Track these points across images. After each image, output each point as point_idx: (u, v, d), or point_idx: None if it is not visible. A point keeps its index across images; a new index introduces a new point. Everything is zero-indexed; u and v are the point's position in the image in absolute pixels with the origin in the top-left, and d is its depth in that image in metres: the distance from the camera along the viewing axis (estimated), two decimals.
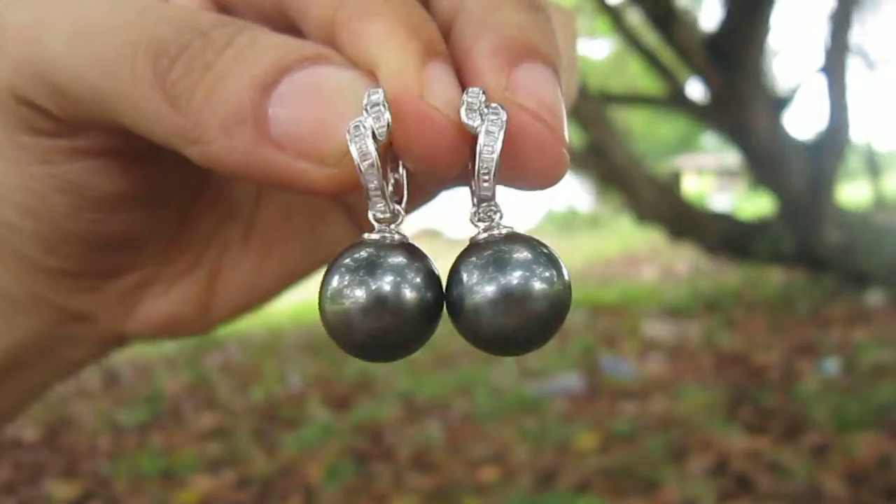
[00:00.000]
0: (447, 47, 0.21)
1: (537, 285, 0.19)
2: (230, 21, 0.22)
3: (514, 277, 0.19)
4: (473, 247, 0.20)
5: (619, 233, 9.50)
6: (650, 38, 4.24)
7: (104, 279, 0.30)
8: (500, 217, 0.21)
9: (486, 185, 0.20)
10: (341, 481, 2.17)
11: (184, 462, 2.44)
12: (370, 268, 0.19)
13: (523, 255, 0.19)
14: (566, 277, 0.20)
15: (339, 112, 0.20)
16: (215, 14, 0.22)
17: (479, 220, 0.21)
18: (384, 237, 0.20)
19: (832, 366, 2.75)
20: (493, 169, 0.20)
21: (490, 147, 0.19)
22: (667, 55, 4.03)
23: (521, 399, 2.61)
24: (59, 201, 0.26)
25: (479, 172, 0.20)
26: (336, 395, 3.03)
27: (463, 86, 0.21)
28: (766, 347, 3.12)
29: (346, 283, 0.19)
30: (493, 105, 0.20)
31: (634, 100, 5.70)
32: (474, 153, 0.20)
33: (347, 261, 0.19)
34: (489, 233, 0.20)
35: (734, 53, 3.60)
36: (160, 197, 0.29)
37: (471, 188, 0.21)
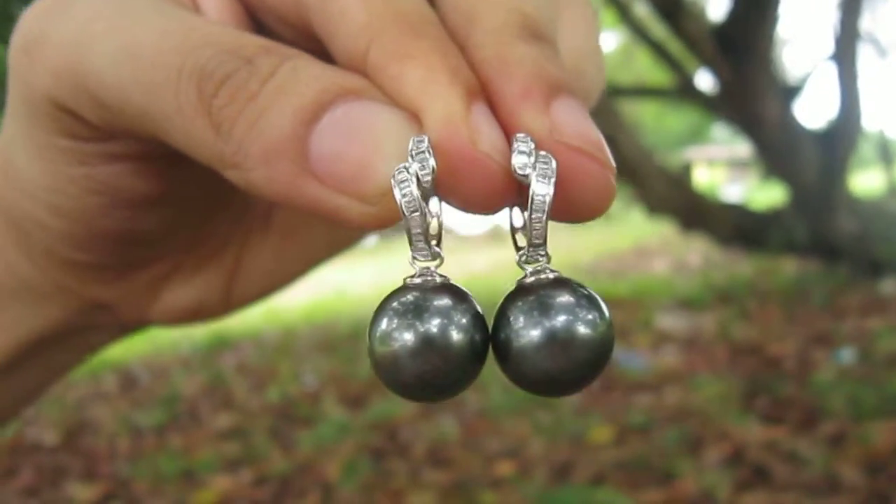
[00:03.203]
0: None
1: (581, 329, 0.20)
2: (273, 48, 0.22)
3: (559, 322, 0.20)
4: (521, 290, 0.21)
5: (630, 226, 9.46)
6: (658, 29, 4.22)
7: (129, 271, 0.31)
8: (548, 261, 0.21)
9: (537, 231, 0.20)
10: (358, 478, 2.18)
11: (202, 462, 2.46)
12: (417, 311, 0.19)
13: (567, 299, 0.20)
14: (608, 318, 0.20)
15: (381, 153, 0.20)
16: (258, 38, 0.22)
17: (526, 263, 0.21)
18: (426, 280, 0.20)
19: (848, 355, 2.74)
20: (545, 216, 0.20)
21: (542, 195, 0.20)
22: (675, 46, 4.01)
23: None
24: (93, 202, 0.26)
25: (531, 220, 0.20)
26: (351, 394, 3.04)
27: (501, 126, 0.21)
28: (780, 338, 3.11)
29: (394, 325, 0.19)
30: (543, 153, 0.20)
31: (643, 92, 5.68)
32: (526, 200, 0.20)
33: (395, 304, 0.20)
34: (536, 276, 0.21)
35: (743, 43, 3.58)
36: (188, 195, 0.30)
37: (513, 231, 0.22)
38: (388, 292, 0.20)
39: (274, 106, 0.20)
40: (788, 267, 4.56)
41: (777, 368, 2.73)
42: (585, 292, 0.20)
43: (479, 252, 8.25)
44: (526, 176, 0.20)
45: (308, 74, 0.21)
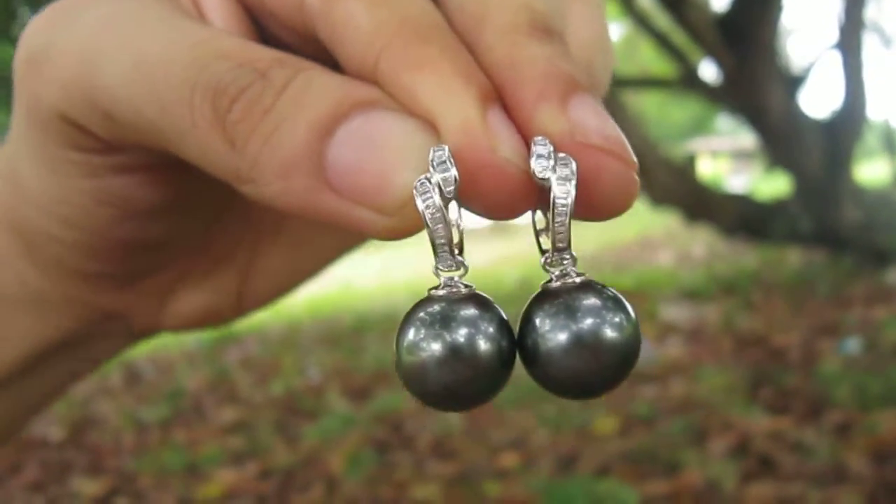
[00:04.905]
0: None
1: (608, 332, 0.20)
2: (287, 60, 0.21)
3: (586, 325, 0.20)
4: (546, 294, 0.21)
5: (634, 218, 9.46)
6: (661, 19, 4.21)
7: (140, 278, 0.31)
8: (573, 263, 0.21)
9: (561, 235, 0.20)
10: (363, 470, 2.18)
11: (207, 456, 2.47)
12: (444, 321, 0.20)
13: (593, 302, 0.20)
14: (634, 320, 0.20)
15: (400, 164, 0.20)
16: (271, 50, 0.22)
17: (551, 266, 0.21)
18: (451, 291, 0.20)
19: (853, 345, 2.73)
20: (567, 219, 0.20)
21: (564, 198, 0.19)
22: (679, 37, 4.00)
23: None
24: (103, 213, 0.26)
25: (554, 224, 0.20)
26: (355, 386, 3.04)
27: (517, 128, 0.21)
28: (785, 328, 3.10)
29: (421, 336, 0.20)
30: (563, 155, 0.20)
31: (647, 83, 5.66)
32: (548, 203, 0.20)
33: (422, 315, 0.20)
34: (562, 280, 0.21)
35: (747, 33, 3.57)
36: (197, 201, 0.29)
37: (536, 233, 0.22)
38: (414, 303, 0.20)
39: (288, 119, 0.20)
40: (793, 257, 4.55)
41: (782, 359, 2.72)
42: (611, 294, 0.20)
43: (483, 245, 8.26)
44: (546, 179, 0.19)
45: (322, 86, 0.20)
